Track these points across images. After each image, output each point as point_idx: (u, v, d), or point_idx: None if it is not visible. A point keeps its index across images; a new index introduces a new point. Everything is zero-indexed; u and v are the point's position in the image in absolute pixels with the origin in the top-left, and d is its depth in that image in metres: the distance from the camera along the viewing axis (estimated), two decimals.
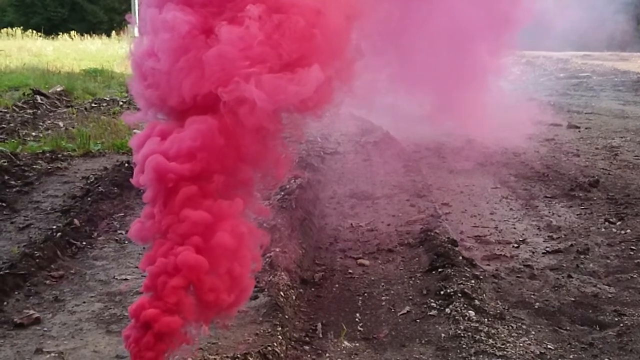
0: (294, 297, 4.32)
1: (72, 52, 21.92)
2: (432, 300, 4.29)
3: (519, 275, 4.94)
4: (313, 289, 4.65)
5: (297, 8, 3.10)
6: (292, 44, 3.07)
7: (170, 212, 2.99)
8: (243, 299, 3.27)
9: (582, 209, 6.60)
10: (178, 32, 3.04)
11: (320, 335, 3.93)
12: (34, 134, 9.82)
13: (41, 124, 10.66)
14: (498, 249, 5.48)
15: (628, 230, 5.91)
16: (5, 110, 11.17)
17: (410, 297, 4.44)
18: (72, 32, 27.38)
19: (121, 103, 12.78)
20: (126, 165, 7.41)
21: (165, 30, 3.06)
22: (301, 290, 4.55)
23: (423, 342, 3.81)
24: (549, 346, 3.82)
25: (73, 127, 10.12)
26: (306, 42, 3.10)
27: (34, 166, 7.68)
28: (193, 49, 3.03)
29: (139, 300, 2.98)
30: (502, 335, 3.81)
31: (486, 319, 3.97)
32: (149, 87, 3.17)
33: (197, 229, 2.94)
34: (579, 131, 10.84)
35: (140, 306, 2.93)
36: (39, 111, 11.59)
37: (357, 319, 4.17)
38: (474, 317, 3.95)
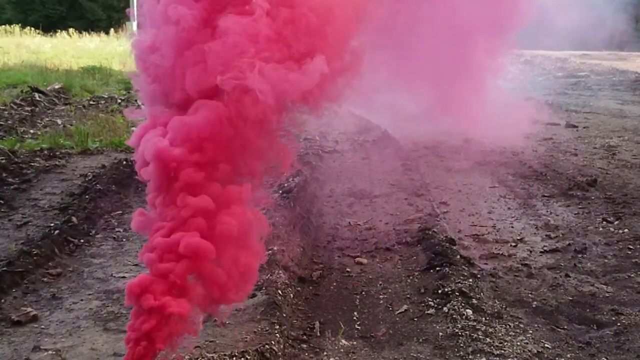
0: (291, 296, 4.32)
1: (70, 50, 21.87)
2: (429, 299, 4.29)
3: (517, 274, 4.95)
4: (311, 288, 4.65)
5: (307, 2, 3.10)
6: (300, 38, 3.07)
7: (172, 200, 2.97)
8: (248, 291, 3.27)
9: (580, 208, 6.61)
10: (182, 26, 3.03)
11: (318, 334, 3.93)
12: (32, 131, 9.81)
13: (39, 121, 10.65)
14: (496, 248, 5.49)
15: (626, 230, 5.92)
16: (3, 108, 11.15)
17: (408, 296, 4.45)
18: (71, 30, 27.29)
19: (119, 101, 12.77)
20: (124, 162, 7.41)
21: (170, 23, 3.06)
22: (299, 288, 4.55)
23: (420, 340, 3.82)
24: (546, 345, 3.83)
25: (71, 125, 10.12)
26: (314, 38, 3.10)
27: (32, 164, 7.68)
28: (198, 43, 3.03)
29: (138, 279, 2.93)
30: (500, 334, 3.82)
31: (484, 318, 3.97)
32: (153, 81, 3.16)
33: (199, 214, 2.92)
34: (577, 130, 10.84)
35: (139, 286, 2.89)
36: (37, 109, 11.58)
37: (354, 318, 4.17)
38: (472, 316, 3.95)
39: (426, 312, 4.14)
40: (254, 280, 3.30)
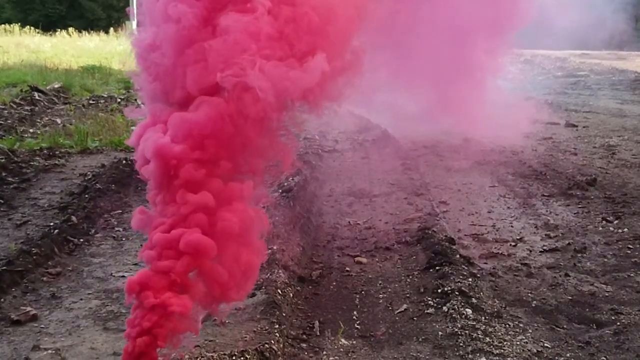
0: (291, 295, 4.32)
1: (70, 49, 21.85)
2: (429, 299, 4.29)
3: (516, 273, 4.95)
4: (310, 287, 4.65)
5: (308, 1, 3.10)
6: (301, 36, 3.07)
7: (173, 197, 2.97)
8: (248, 289, 3.27)
9: (580, 207, 6.61)
10: (183, 24, 3.03)
11: (318, 333, 3.93)
12: (31, 130, 9.81)
13: (39, 120, 10.65)
14: (495, 248, 5.49)
15: (625, 229, 5.92)
16: (3, 107, 11.15)
17: (408, 295, 4.45)
18: (70, 29, 27.27)
19: (119, 100, 12.76)
20: (124, 162, 7.41)
21: (170, 22, 3.05)
22: (299, 288, 4.55)
23: (420, 340, 3.82)
24: (545, 344, 3.83)
25: (71, 124, 10.12)
26: (316, 36, 3.10)
27: (32, 163, 7.67)
28: (199, 41, 3.02)
29: (137, 276, 2.93)
30: (499, 334, 3.82)
31: (483, 317, 3.97)
32: (154, 80, 3.16)
33: (199, 211, 2.92)
34: (577, 130, 10.84)
35: (139, 283, 2.89)
36: (37, 108, 11.58)
37: (354, 317, 4.17)
38: (471, 316, 3.95)
39: (426, 311, 4.14)
40: (254, 279, 3.30)
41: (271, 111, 3.03)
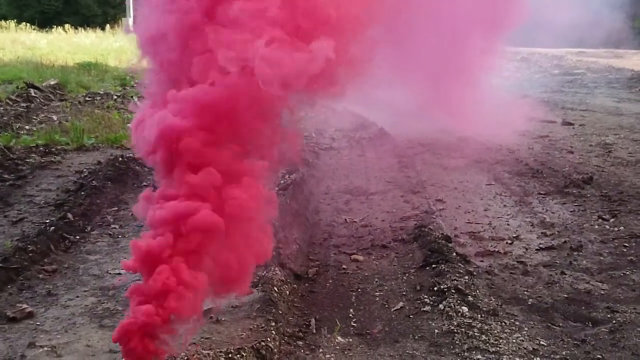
0: (287, 293, 4.32)
1: (66, 46, 21.76)
2: (425, 296, 4.30)
3: (513, 271, 4.95)
4: (307, 285, 4.65)
5: None
6: (308, 23, 3.05)
7: (178, 176, 2.95)
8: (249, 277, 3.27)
9: (576, 205, 6.62)
10: (188, 13, 3.02)
11: (314, 331, 3.93)
12: (27, 127, 9.78)
13: (35, 117, 10.62)
14: (492, 246, 5.49)
15: (621, 227, 5.93)
16: None
17: (404, 293, 4.45)
18: (66, 26, 27.15)
19: (115, 97, 12.73)
20: (120, 159, 7.40)
21: (173, 12, 3.04)
22: (295, 285, 4.55)
23: (416, 337, 3.82)
24: (541, 342, 3.83)
25: (67, 121, 10.09)
26: (325, 26, 3.09)
27: (28, 160, 7.66)
28: (203, 30, 3.01)
29: (146, 244, 2.91)
30: (495, 332, 3.83)
31: (479, 315, 3.98)
32: (159, 70, 3.15)
33: (206, 189, 2.91)
34: (573, 128, 10.84)
35: (147, 253, 2.88)
36: (33, 105, 11.53)
37: (350, 315, 4.18)
38: (467, 313, 3.96)
39: (422, 309, 4.15)
40: (267, 257, 3.30)
41: (275, 95, 3.01)
